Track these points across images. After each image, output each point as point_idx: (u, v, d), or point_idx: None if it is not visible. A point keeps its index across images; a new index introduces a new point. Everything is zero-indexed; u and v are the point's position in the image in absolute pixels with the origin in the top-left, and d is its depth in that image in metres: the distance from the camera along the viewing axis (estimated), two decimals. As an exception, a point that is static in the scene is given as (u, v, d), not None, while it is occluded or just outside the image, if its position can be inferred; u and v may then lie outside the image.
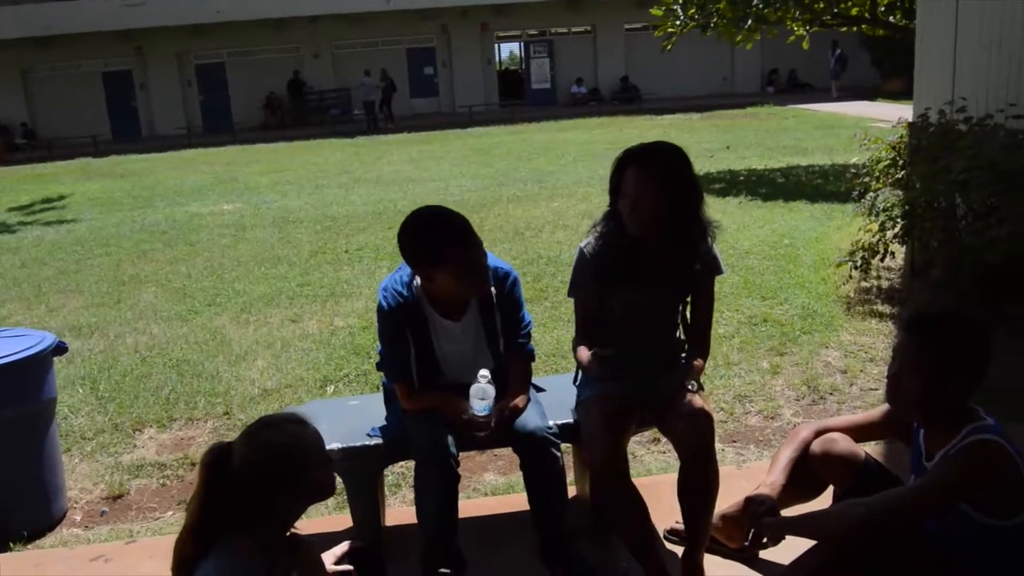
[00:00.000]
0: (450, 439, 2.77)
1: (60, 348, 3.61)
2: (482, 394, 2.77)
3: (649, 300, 2.91)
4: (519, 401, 2.90)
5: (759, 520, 2.46)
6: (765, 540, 2.57)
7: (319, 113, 30.19)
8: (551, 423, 2.88)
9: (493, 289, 2.95)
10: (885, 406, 2.72)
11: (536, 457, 2.83)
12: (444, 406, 2.87)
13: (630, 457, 3.87)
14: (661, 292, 2.92)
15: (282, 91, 30.83)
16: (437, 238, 2.76)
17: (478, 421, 2.78)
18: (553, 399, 3.14)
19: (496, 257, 3.00)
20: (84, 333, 6.48)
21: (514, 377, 2.99)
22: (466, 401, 2.79)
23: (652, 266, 2.86)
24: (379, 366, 3.07)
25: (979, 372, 2.29)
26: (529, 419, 2.85)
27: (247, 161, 19.48)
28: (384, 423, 3.09)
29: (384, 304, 2.90)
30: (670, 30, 13.69)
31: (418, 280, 2.88)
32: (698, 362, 2.90)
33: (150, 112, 30.75)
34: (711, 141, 17.80)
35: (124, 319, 6.83)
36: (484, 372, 2.80)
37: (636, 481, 2.81)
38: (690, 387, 2.75)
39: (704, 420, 2.67)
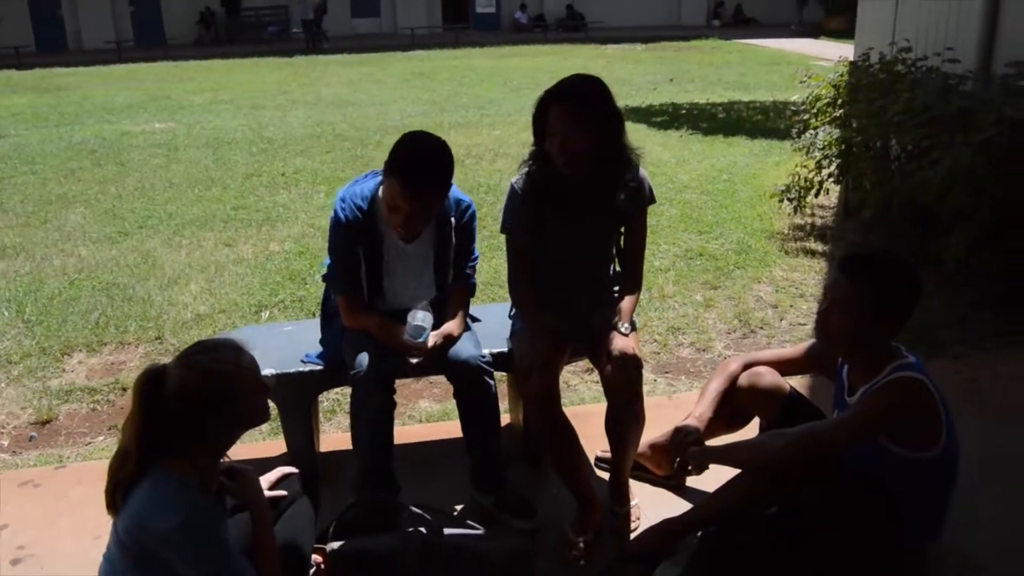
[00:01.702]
0: (385, 364, 2.77)
1: (-18, 269, 3.50)
2: (420, 320, 2.76)
3: (581, 235, 2.92)
4: (454, 329, 2.91)
5: (685, 449, 2.54)
6: (691, 468, 2.65)
7: (256, 30, 29.20)
8: (485, 352, 2.90)
9: (452, 219, 2.93)
10: (811, 341, 2.80)
11: (469, 385, 2.85)
12: (381, 329, 2.84)
13: (564, 386, 3.96)
14: (593, 226, 2.93)
15: (216, 6, 29.70)
16: (401, 165, 2.67)
17: (414, 345, 2.77)
18: (489, 328, 3.16)
19: (457, 188, 2.96)
20: (8, 254, 6.28)
21: (453, 305, 2.99)
22: (403, 327, 2.79)
23: (583, 201, 2.86)
24: (324, 278, 3.03)
25: (907, 313, 2.36)
26: (463, 348, 2.87)
27: (180, 78, 18.83)
28: (319, 349, 3.08)
29: (341, 216, 2.84)
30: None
31: (380, 193, 2.83)
32: (628, 303, 2.92)
33: (77, 23, 29.33)
34: (655, 73, 17.75)
35: (51, 240, 6.63)
36: (423, 301, 2.79)
37: (570, 410, 2.86)
38: (622, 330, 2.78)
39: (632, 364, 2.70)
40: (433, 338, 2.82)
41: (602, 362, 2.76)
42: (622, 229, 3.02)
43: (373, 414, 2.76)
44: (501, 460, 2.94)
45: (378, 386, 2.73)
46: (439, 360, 2.86)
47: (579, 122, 2.71)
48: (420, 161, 2.70)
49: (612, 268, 3.10)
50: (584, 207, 2.87)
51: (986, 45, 5.94)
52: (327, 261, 2.97)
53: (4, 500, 3.12)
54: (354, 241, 2.84)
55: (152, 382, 2.00)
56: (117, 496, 2.00)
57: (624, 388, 2.71)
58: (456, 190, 2.95)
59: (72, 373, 4.37)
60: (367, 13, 31.71)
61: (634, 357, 2.70)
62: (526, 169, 2.91)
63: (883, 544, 2.41)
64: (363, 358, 2.75)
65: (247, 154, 9.92)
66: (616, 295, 2.99)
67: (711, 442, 2.69)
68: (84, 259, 6.12)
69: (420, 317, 2.77)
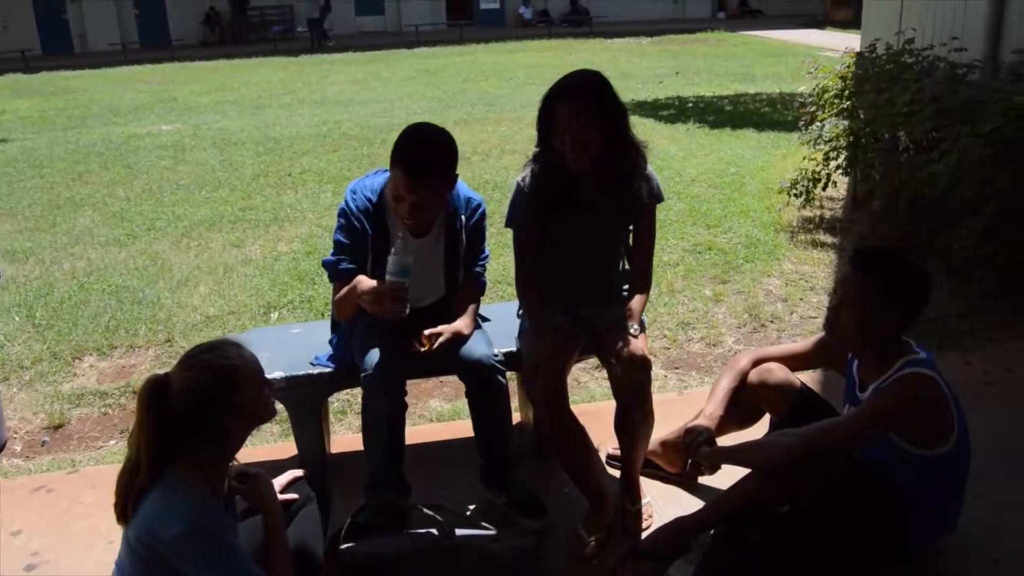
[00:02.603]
0: (397, 365, 2.76)
1: (-8, 275, 3.51)
2: (400, 251, 2.61)
3: (590, 232, 2.91)
4: (463, 327, 2.89)
5: (696, 450, 2.53)
6: (703, 468, 2.64)
7: (261, 30, 29.23)
8: (497, 351, 2.90)
9: (463, 216, 2.92)
10: (820, 335, 2.79)
11: (482, 384, 2.84)
12: (355, 288, 2.73)
13: (574, 383, 3.96)
14: (601, 224, 2.92)
15: (222, 5, 29.73)
16: (403, 153, 2.67)
17: (393, 286, 2.61)
18: (497, 327, 3.15)
19: (467, 186, 2.97)
20: (18, 259, 6.30)
21: (462, 303, 2.98)
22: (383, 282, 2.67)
23: (590, 199, 2.86)
24: (324, 263, 2.92)
25: (917, 309, 2.35)
26: (475, 347, 2.86)
27: (186, 80, 18.87)
28: (329, 351, 3.08)
29: (351, 204, 2.83)
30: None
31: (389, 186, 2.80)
32: (637, 302, 2.90)
33: (82, 26, 29.39)
34: (661, 67, 17.71)
35: (60, 244, 6.65)
36: (402, 236, 2.68)
37: (579, 407, 2.86)
38: (632, 331, 2.76)
39: (641, 366, 2.68)
40: (446, 333, 2.80)
41: (610, 363, 2.75)
42: (631, 227, 3.01)
43: (384, 416, 2.75)
44: (512, 459, 2.94)
45: (389, 388, 2.72)
46: (450, 359, 2.85)
47: (588, 118, 2.70)
48: (422, 148, 2.69)
49: (621, 266, 3.09)
50: (592, 205, 2.86)
51: (993, 33, 5.90)
52: (333, 251, 2.90)
53: (17, 506, 3.13)
54: (362, 229, 2.81)
55: (156, 391, 1.99)
56: (128, 507, 2.00)
57: (633, 390, 2.70)
58: (466, 188, 2.95)
59: (83, 377, 4.38)
60: (371, 11, 31.70)
61: (643, 359, 2.68)
62: (531, 168, 2.90)
63: (893, 539, 2.40)
64: (373, 359, 2.74)
65: (254, 154, 9.94)
66: (625, 294, 2.99)
67: (723, 439, 2.69)
68: (93, 262, 6.14)
69: (401, 249, 2.61)
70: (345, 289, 2.80)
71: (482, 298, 3.13)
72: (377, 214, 2.83)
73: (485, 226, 3.03)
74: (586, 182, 2.83)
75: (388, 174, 2.86)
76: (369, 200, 2.83)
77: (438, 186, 2.75)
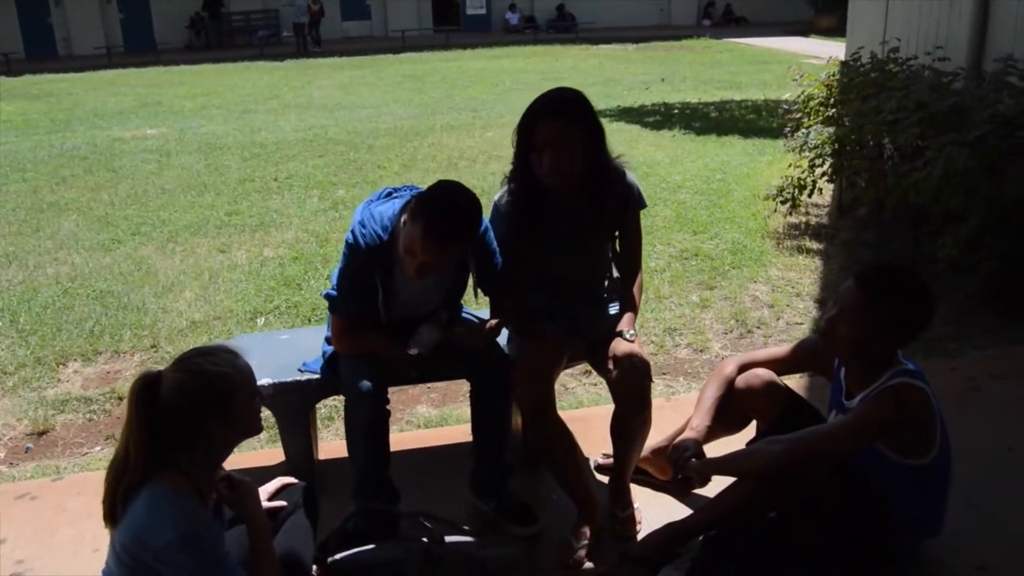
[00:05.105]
0: (379, 376, 2.73)
1: (-24, 280, 3.47)
2: (430, 331, 2.72)
3: (574, 246, 2.91)
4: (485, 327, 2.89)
5: (685, 465, 2.53)
6: (694, 481, 2.64)
7: (246, 35, 29.15)
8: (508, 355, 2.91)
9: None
10: (805, 339, 2.80)
11: (497, 383, 2.82)
12: (379, 349, 2.77)
13: (562, 390, 3.96)
14: (585, 237, 2.91)
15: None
16: (429, 216, 2.56)
17: (413, 357, 2.74)
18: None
19: None
20: (1, 263, 6.24)
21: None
22: (397, 343, 2.75)
23: (571, 214, 2.85)
24: (327, 295, 2.87)
25: (916, 334, 2.37)
26: (493, 346, 2.87)
27: (171, 83, 18.78)
28: (316, 357, 3.05)
29: (361, 242, 2.71)
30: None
31: (401, 222, 2.69)
32: (629, 311, 2.90)
33: (66, 29, 29.20)
34: (646, 73, 17.76)
35: (44, 248, 6.60)
36: (443, 315, 2.77)
37: (568, 413, 2.86)
38: (628, 336, 2.77)
39: (643, 369, 2.69)
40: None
41: (608, 369, 2.74)
42: (616, 234, 3.02)
43: (366, 427, 2.73)
44: (506, 465, 2.93)
45: (370, 399, 2.68)
46: (461, 359, 2.84)
47: (572, 137, 2.69)
48: (448, 218, 2.58)
49: (610, 273, 3.09)
50: (573, 220, 2.86)
51: (977, 42, 5.96)
52: (335, 281, 2.85)
53: (1, 514, 3.10)
54: (371, 268, 2.73)
55: (147, 388, 1.97)
56: (117, 507, 1.98)
57: (634, 395, 2.70)
58: None
59: (67, 383, 4.35)
60: (358, 16, 31.66)
61: (642, 360, 2.70)
62: (508, 187, 2.88)
63: (878, 544, 2.41)
64: (354, 371, 2.72)
65: (239, 159, 9.90)
66: (617, 300, 2.99)
67: (711, 446, 2.69)
68: (78, 267, 6.10)
69: (432, 329, 2.74)
70: (356, 342, 2.81)
71: (475, 302, 3.08)
72: (386, 249, 2.71)
73: (492, 239, 2.88)
74: (561, 200, 2.83)
75: (394, 203, 2.78)
76: (379, 236, 2.71)
77: (454, 251, 2.67)
